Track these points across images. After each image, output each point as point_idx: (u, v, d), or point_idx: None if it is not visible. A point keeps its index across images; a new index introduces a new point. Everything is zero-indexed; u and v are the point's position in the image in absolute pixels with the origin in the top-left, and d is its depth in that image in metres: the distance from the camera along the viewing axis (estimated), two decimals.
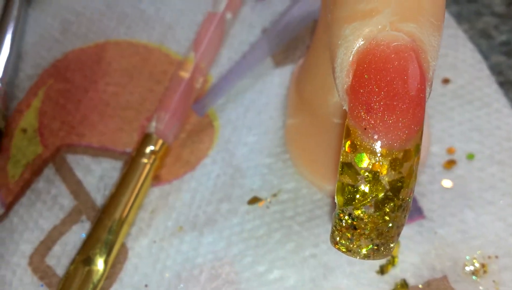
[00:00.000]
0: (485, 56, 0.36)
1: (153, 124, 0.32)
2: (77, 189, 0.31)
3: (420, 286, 0.27)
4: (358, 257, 0.19)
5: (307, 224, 0.29)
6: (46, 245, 0.29)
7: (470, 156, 0.31)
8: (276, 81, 0.35)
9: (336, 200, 0.18)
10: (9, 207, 0.30)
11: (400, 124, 0.17)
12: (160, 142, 0.31)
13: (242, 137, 0.33)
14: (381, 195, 0.17)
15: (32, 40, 0.37)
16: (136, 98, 0.34)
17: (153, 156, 0.31)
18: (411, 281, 0.27)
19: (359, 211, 0.18)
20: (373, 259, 0.19)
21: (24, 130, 0.33)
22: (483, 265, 0.27)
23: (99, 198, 0.31)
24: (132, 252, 0.29)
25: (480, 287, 0.27)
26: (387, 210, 0.17)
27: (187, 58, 0.35)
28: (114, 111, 0.34)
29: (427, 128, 0.31)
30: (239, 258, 0.28)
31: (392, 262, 0.27)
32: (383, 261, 0.28)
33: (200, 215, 0.30)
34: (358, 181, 0.17)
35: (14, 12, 0.37)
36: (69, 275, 0.27)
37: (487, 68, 0.35)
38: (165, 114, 0.32)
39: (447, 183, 0.30)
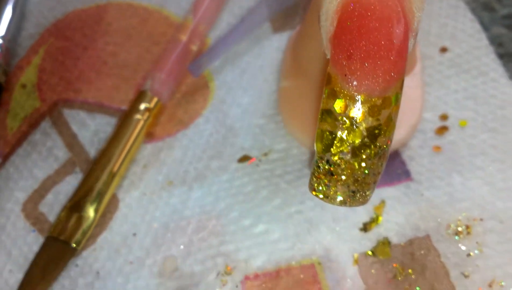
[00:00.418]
0: (486, 28, 0.35)
1: (149, 82, 0.32)
2: (72, 142, 0.31)
3: (402, 244, 0.27)
4: (334, 203, 0.19)
5: (295, 182, 0.29)
6: (39, 193, 0.30)
7: (463, 123, 0.31)
8: (274, 45, 0.35)
9: (315, 148, 0.18)
10: (6, 157, 0.31)
11: (379, 71, 0.17)
12: (154, 99, 0.32)
13: (236, 98, 0.33)
14: (358, 141, 0.18)
15: (35, 0, 0.38)
16: (134, 57, 0.35)
17: (147, 113, 0.31)
18: (393, 240, 0.27)
19: (337, 157, 0.18)
20: (349, 205, 0.19)
21: (24, 86, 0.34)
22: (467, 227, 0.27)
23: (93, 152, 0.31)
24: (123, 203, 0.29)
25: (462, 247, 0.27)
26: (364, 156, 0.18)
27: (186, 20, 0.35)
28: (111, 70, 0.34)
29: (422, 93, 0.31)
30: (226, 212, 0.29)
31: (375, 221, 0.28)
32: (366, 219, 0.28)
33: (191, 171, 0.30)
34: (337, 128, 0.18)
35: None
36: (60, 221, 0.28)
37: (486, 38, 0.35)
38: (160, 73, 0.33)
39: (437, 148, 0.30)
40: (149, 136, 0.32)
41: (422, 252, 0.27)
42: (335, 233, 0.27)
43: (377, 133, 0.17)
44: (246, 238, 0.28)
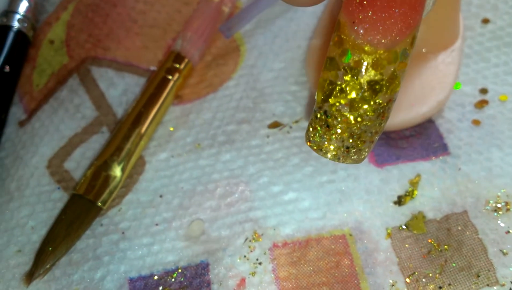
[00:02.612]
0: None
1: (180, 42, 0.31)
2: (99, 100, 0.31)
3: (438, 219, 0.26)
4: (327, 157, 0.18)
5: None
6: (65, 150, 0.29)
7: (503, 98, 0.30)
8: (308, 10, 0.34)
9: (315, 97, 0.18)
10: (31, 113, 0.31)
11: (388, 22, 0.16)
12: (185, 60, 0.31)
13: (268, 63, 0.32)
14: (358, 94, 0.17)
15: None
16: (164, 17, 0.34)
17: (177, 74, 0.30)
18: (429, 215, 0.26)
19: (334, 109, 0.17)
20: (342, 161, 0.18)
21: (52, 42, 0.33)
22: (506, 203, 0.26)
23: (120, 112, 0.30)
24: (149, 165, 0.29)
25: (501, 224, 0.26)
26: (361, 112, 0.17)
27: None
28: (140, 29, 0.33)
29: (455, 70, 0.29)
30: (255, 178, 0.28)
31: (411, 195, 0.27)
32: (401, 192, 0.27)
33: (219, 134, 0.29)
34: (337, 78, 0.17)
35: None
36: (86, 179, 0.27)
37: None
38: (192, 34, 0.32)
39: (477, 121, 0.29)
40: (178, 98, 0.31)
41: (459, 228, 0.26)
42: (368, 205, 0.27)
43: (378, 88, 0.17)
44: (276, 205, 0.27)
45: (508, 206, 0.26)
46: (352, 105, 0.17)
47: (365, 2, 0.16)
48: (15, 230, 0.27)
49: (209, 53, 0.33)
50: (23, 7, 0.33)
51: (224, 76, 0.32)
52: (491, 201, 0.26)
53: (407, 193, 0.27)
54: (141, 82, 0.32)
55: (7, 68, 0.30)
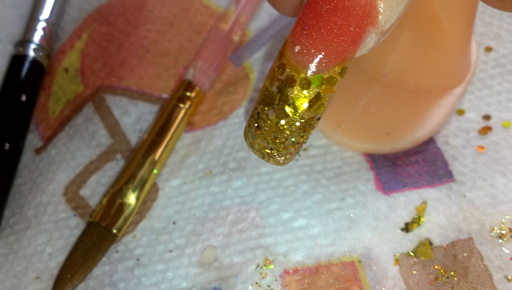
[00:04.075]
0: None
1: (191, 71, 0.32)
2: (114, 128, 0.32)
3: (444, 246, 0.27)
4: (255, 153, 0.20)
5: (335, 179, 0.29)
6: (81, 177, 0.30)
7: (506, 124, 0.31)
8: None
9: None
10: (48, 141, 0.32)
11: (321, 50, 0.18)
12: (196, 89, 0.32)
13: None
14: (282, 105, 0.18)
15: None
16: (175, 46, 0.35)
17: (189, 102, 0.31)
18: (435, 241, 0.27)
19: (263, 113, 0.19)
20: (267, 161, 0.20)
21: (67, 70, 0.34)
22: (510, 230, 0.27)
23: (134, 139, 0.31)
24: (162, 191, 0.30)
25: (506, 250, 0.26)
26: (282, 122, 0.19)
27: (228, 10, 0.35)
28: (153, 57, 0.34)
29: (450, 109, 0.30)
30: (266, 204, 0.29)
31: (417, 221, 0.28)
32: (408, 219, 0.28)
33: (230, 161, 0.30)
34: (271, 86, 0.19)
35: None
36: (101, 206, 0.28)
37: None
38: (202, 63, 0.33)
39: (481, 148, 0.30)
40: (189, 125, 0.32)
41: (465, 254, 0.26)
42: (376, 232, 0.27)
43: (301, 105, 0.18)
44: (286, 231, 0.28)
45: None
46: (277, 114, 0.19)
47: (305, 27, 0.18)
48: (33, 257, 0.28)
49: (219, 80, 0.34)
50: (38, 36, 0.34)
51: (234, 103, 0.33)
52: (495, 228, 0.27)
53: (414, 220, 0.28)
54: (154, 110, 0.32)
55: (23, 97, 0.31)
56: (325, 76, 0.18)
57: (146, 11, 0.36)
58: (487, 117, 0.31)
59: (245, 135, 0.20)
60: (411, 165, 0.30)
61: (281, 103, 0.18)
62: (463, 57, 0.30)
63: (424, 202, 0.28)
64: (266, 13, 0.37)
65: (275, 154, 0.20)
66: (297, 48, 0.18)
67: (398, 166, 0.30)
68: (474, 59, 0.31)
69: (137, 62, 0.34)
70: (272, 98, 0.19)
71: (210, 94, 0.33)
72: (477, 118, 0.31)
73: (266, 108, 0.19)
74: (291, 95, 0.18)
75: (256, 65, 0.34)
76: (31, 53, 0.33)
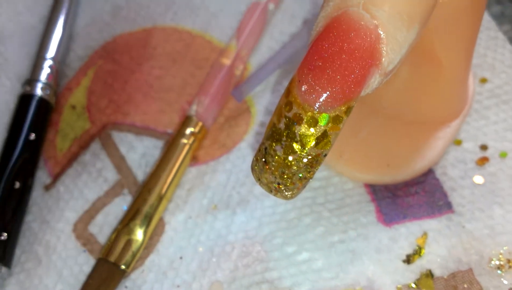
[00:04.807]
0: None
1: (194, 107, 0.33)
2: (120, 164, 0.32)
3: (445, 277, 0.28)
4: (262, 187, 0.21)
5: (337, 211, 0.30)
6: (89, 214, 0.31)
7: (503, 154, 0.31)
8: None
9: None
10: (56, 177, 0.32)
11: (327, 90, 0.18)
12: (199, 124, 0.33)
13: None
14: (290, 142, 0.19)
15: (84, 22, 0.39)
16: (178, 81, 0.36)
17: (192, 137, 0.32)
18: (436, 272, 0.28)
19: (271, 149, 0.20)
20: (275, 195, 0.21)
21: (73, 107, 0.35)
22: (508, 261, 0.28)
23: (140, 174, 0.32)
24: (169, 226, 0.30)
25: (504, 281, 0.27)
26: (290, 158, 0.19)
27: (229, 45, 0.36)
28: (157, 93, 0.35)
29: (446, 142, 0.31)
30: (270, 238, 0.29)
31: (418, 253, 0.28)
32: (409, 251, 0.28)
33: (234, 195, 0.31)
34: (280, 123, 0.19)
35: None
36: (111, 243, 0.29)
37: None
38: (205, 98, 0.34)
39: (478, 179, 0.31)
40: (193, 159, 0.33)
41: (465, 285, 0.27)
42: (378, 264, 0.28)
43: (309, 142, 0.19)
44: (290, 265, 0.28)
45: (510, 264, 0.27)
46: (285, 150, 0.19)
47: (310, 67, 0.18)
48: None
49: (221, 114, 0.35)
50: (44, 74, 0.35)
51: (236, 137, 0.34)
52: (494, 259, 0.28)
53: (415, 252, 0.28)
54: (158, 145, 0.33)
55: (32, 136, 0.32)
56: (332, 114, 0.19)
57: (150, 48, 0.37)
58: (484, 147, 0.32)
59: (252, 169, 0.21)
60: (411, 195, 0.30)
61: (289, 140, 0.19)
62: (461, 91, 0.31)
63: (425, 234, 0.29)
64: (266, 47, 0.38)
65: (282, 188, 0.20)
66: (304, 88, 0.19)
67: (398, 197, 0.30)
68: (471, 92, 0.32)
69: (141, 98, 0.35)
70: (279, 134, 0.19)
71: (213, 128, 0.34)
72: (474, 148, 0.32)
73: (274, 144, 0.19)
74: (299, 133, 0.19)
75: (257, 98, 0.35)
76: (39, 92, 0.34)
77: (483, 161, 0.31)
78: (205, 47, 0.37)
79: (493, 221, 0.29)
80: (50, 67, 0.35)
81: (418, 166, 0.30)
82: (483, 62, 0.35)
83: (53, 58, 0.36)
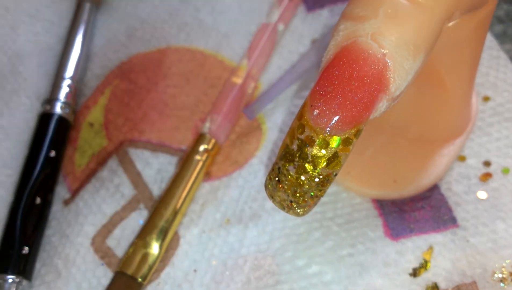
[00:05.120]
0: None
1: (207, 124, 0.35)
2: (136, 180, 0.34)
3: (450, 289, 0.29)
4: (275, 204, 0.22)
5: (346, 226, 0.31)
6: (107, 228, 0.32)
7: (506, 170, 0.32)
8: None
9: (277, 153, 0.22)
10: (75, 192, 0.34)
11: (337, 115, 0.20)
12: (212, 141, 0.34)
13: None
14: (302, 162, 0.20)
15: (100, 42, 0.40)
16: (192, 100, 0.37)
17: (206, 154, 0.34)
18: (442, 285, 0.29)
19: (284, 168, 0.21)
20: (287, 212, 0.22)
21: (91, 124, 0.36)
22: (511, 274, 0.29)
23: (155, 189, 0.34)
24: (183, 239, 0.32)
25: None
26: (302, 178, 0.20)
27: (240, 65, 0.37)
28: (171, 111, 0.37)
29: (450, 159, 0.32)
30: (281, 252, 0.31)
31: (424, 266, 0.29)
32: (416, 264, 0.29)
33: (246, 210, 0.32)
34: (292, 144, 0.20)
35: (85, 16, 0.40)
36: (128, 256, 0.30)
37: None
38: (218, 116, 0.35)
39: (482, 194, 0.32)
40: (207, 175, 0.34)
41: None
42: (386, 278, 0.29)
43: (320, 163, 0.20)
44: (301, 278, 0.29)
45: None
46: (297, 170, 0.20)
47: (323, 93, 0.20)
48: None
49: (233, 132, 0.36)
50: (63, 93, 0.36)
51: (248, 154, 0.35)
52: (497, 272, 0.29)
53: (421, 265, 0.29)
54: (173, 161, 0.35)
55: (52, 153, 0.34)
56: (342, 137, 0.20)
57: (164, 67, 0.38)
58: (487, 163, 0.33)
59: (266, 187, 0.22)
60: (417, 210, 0.31)
61: (301, 160, 0.20)
62: (465, 110, 0.32)
63: (431, 247, 0.30)
64: (275, 66, 0.39)
65: (294, 206, 0.21)
66: (315, 112, 0.20)
67: (405, 211, 0.31)
68: (475, 111, 0.33)
69: (157, 116, 0.36)
70: (292, 155, 0.20)
71: (225, 145, 0.35)
72: (478, 164, 0.33)
73: (287, 164, 0.21)
74: (311, 154, 0.20)
75: (268, 116, 0.36)
76: (58, 111, 0.35)
77: (486, 177, 0.32)
78: (217, 67, 0.39)
79: (496, 235, 0.30)
80: (68, 86, 0.37)
81: (424, 182, 0.32)
82: (486, 81, 0.36)
83: (71, 78, 0.37)
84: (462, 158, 0.33)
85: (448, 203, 0.32)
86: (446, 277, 0.29)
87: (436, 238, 0.30)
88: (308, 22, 0.41)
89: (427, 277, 0.29)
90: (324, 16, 0.41)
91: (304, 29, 0.41)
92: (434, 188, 0.32)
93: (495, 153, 0.33)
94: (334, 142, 0.20)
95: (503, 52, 0.38)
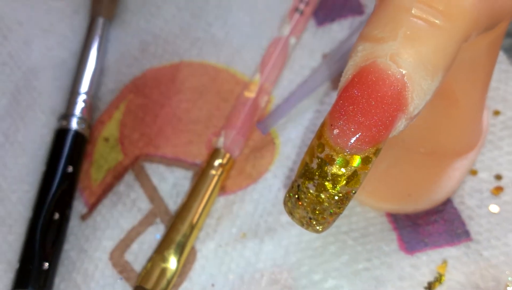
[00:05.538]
0: None
1: (221, 139, 0.35)
2: (153, 194, 0.34)
3: None
4: (294, 221, 0.22)
5: (361, 240, 0.32)
6: (125, 242, 0.32)
7: None
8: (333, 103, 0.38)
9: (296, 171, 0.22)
10: (92, 207, 0.34)
11: (356, 134, 0.20)
12: (227, 156, 0.35)
13: (301, 155, 0.36)
14: (322, 181, 0.21)
15: (113, 57, 0.41)
16: (205, 114, 0.38)
17: (220, 169, 0.34)
18: None
19: (304, 186, 0.21)
20: (306, 228, 0.22)
21: (107, 139, 0.37)
22: None
23: (171, 204, 0.34)
24: (200, 254, 0.32)
25: None
26: (322, 196, 0.21)
27: (253, 79, 0.38)
28: (185, 126, 0.37)
29: (463, 174, 0.33)
30: (297, 266, 0.31)
31: (439, 280, 0.30)
32: (431, 278, 0.30)
33: (262, 224, 0.33)
34: (312, 163, 0.21)
35: (98, 30, 0.41)
36: (147, 272, 0.31)
37: None
38: (232, 131, 0.35)
39: (494, 208, 0.32)
40: (222, 189, 0.35)
41: None
42: None
43: (340, 181, 0.21)
44: None
45: None
46: (317, 188, 0.21)
47: (343, 112, 0.20)
48: None
49: (247, 146, 0.36)
50: (79, 108, 0.37)
51: (262, 168, 0.35)
52: (509, 285, 0.29)
53: (436, 279, 0.30)
54: (188, 175, 0.35)
55: (70, 168, 0.34)
56: (362, 156, 0.20)
57: (178, 82, 0.39)
58: (498, 177, 0.33)
59: (285, 204, 0.22)
60: (431, 224, 0.32)
61: (321, 179, 0.21)
62: (476, 125, 0.32)
63: (445, 262, 0.30)
64: (287, 80, 0.39)
65: (314, 223, 0.22)
66: (335, 132, 0.20)
67: (419, 225, 0.32)
68: (486, 125, 0.34)
69: (171, 131, 0.37)
70: (312, 173, 0.21)
71: (239, 159, 0.36)
72: (489, 178, 0.33)
73: (307, 182, 0.21)
74: (330, 172, 0.20)
75: (281, 130, 0.37)
76: (74, 126, 0.36)
77: (498, 190, 0.33)
78: (230, 81, 0.39)
79: (509, 248, 0.31)
80: (84, 101, 0.37)
81: (437, 196, 0.32)
82: (496, 95, 0.37)
83: (86, 93, 0.38)
84: (474, 172, 0.34)
85: (461, 216, 0.32)
86: None
87: (450, 252, 0.31)
88: (319, 36, 0.41)
89: None
90: (334, 30, 0.41)
91: (315, 43, 0.41)
92: (447, 202, 0.33)
93: (506, 166, 0.34)
94: (355, 161, 0.20)
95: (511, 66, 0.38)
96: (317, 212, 0.21)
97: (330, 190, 0.21)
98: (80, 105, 0.37)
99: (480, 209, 0.32)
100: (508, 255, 0.30)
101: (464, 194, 0.33)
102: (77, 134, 0.36)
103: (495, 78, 0.38)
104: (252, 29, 0.41)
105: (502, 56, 0.38)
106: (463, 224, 0.32)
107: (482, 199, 0.33)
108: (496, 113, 0.36)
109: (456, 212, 0.32)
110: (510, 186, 0.33)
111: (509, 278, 0.29)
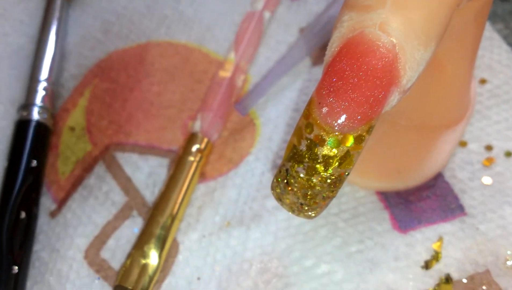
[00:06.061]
0: None
1: (198, 123, 0.33)
2: (127, 185, 0.32)
3: (463, 280, 0.28)
4: (284, 207, 0.21)
5: (352, 221, 0.30)
6: (100, 239, 0.30)
7: (508, 154, 0.32)
8: (314, 79, 0.36)
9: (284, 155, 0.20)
10: (61, 203, 0.32)
11: (347, 111, 0.18)
12: (205, 140, 0.32)
13: (283, 135, 0.34)
14: (312, 163, 0.19)
15: (74, 40, 0.38)
16: (178, 97, 0.35)
17: (199, 154, 0.32)
18: (455, 276, 0.28)
19: (293, 170, 0.19)
20: (297, 215, 0.21)
21: (72, 128, 0.34)
22: None
23: (148, 194, 0.32)
24: (183, 246, 0.30)
25: None
26: (313, 179, 0.19)
27: (228, 57, 0.35)
28: (157, 110, 0.35)
29: (452, 147, 0.32)
30: (287, 253, 0.29)
31: (436, 258, 0.28)
32: (427, 256, 0.29)
33: (247, 211, 0.31)
34: (301, 145, 0.19)
35: (56, 13, 0.38)
36: (126, 269, 0.28)
37: None
38: (208, 113, 0.33)
39: (486, 180, 0.31)
40: (201, 176, 0.32)
41: (484, 287, 0.27)
42: (398, 272, 0.28)
43: (331, 162, 0.19)
44: (310, 279, 0.28)
45: None
46: (307, 171, 0.19)
47: (331, 89, 0.18)
48: None
49: (225, 128, 0.34)
50: (39, 97, 0.34)
51: (243, 151, 0.33)
52: (509, 258, 0.28)
53: (433, 257, 0.28)
54: (164, 163, 0.33)
55: (34, 163, 0.31)
56: (354, 135, 0.19)
57: (146, 64, 0.36)
58: (489, 148, 0.32)
59: (273, 190, 0.21)
60: (423, 200, 0.31)
61: (311, 161, 0.19)
62: (465, 95, 0.31)
63: (440, 238, 0.29)
64: (263, 57, 0.37)
65: (306, 208, 0.20)
66: (324, 110, 0.18)
67: (411, 202, 0.30)
68: (474, 95, 0.33)
69: (142, 116, 0.34)
70: (301, 156, 0.19)
71: (218, 143, 0.34)
72: (480, 149, 0.32)
73: (296, 166, 0.19)
74: (321, 154, 0.19)
75: (260, 110, 0.35)
76: (36, 116, 0.33)
77: (489, 161, 0.32)
78: (203, 60, 0.37)
79: (505, 221, 0.29)
80: (44, 89, 0.34)
81: (427, 170, 0.31)
82: (481, 63, 0.35)
83: (47, 80, 0.35)
84: (463, 144, 0.32)
85: (453, 190, 0.31)
86: (459, 267, 0.28)
87: (445, 228, 0.29)
88: (294, 10, 0.39)
89: (439, 268, 0.28)
90: (309, 3, 0.39)
91: (290, 17, 0.39)
92: (438, 176, 0.31)
93: (496, 136, 0.33)
94: (348, 141, 0.19)
95: (495, 32, 0.37)
96: (308, 197, 0.20)
97: (321, 173, 0.19)
98: (40, 93, 0.34)
99: (473, 181, 0.31)
100: (505, 228, 0.29)
101: (455, 167, 0.32)
102: (39, 124, 0.33)
103: (480, 46, 0.36)
104: (223, 5, 0.39)
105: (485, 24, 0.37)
106: (456, 198, 0.30)
107: (473, 171, 0.31)
108: (483, 81, 0.35)
109: (448, 186, 0.31)
110: (501, 157, 0.32)
111: (508, 252, 0.28)
